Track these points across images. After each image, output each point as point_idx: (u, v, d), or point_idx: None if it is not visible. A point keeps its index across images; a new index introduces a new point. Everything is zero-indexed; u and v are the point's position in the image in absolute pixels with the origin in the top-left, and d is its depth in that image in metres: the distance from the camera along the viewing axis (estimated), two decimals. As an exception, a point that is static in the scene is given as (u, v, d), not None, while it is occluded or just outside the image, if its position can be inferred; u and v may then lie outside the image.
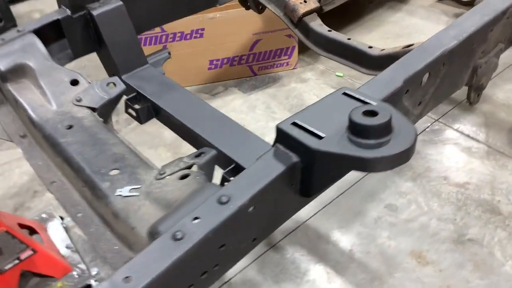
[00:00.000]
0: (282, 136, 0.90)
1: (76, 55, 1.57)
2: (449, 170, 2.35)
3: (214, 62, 3.12)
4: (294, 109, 2.92)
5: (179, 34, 2.91)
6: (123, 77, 1.57)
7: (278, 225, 0.97)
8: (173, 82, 1.54)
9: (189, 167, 1.10)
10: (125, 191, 1.06)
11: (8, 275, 1.69)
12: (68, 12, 1.47)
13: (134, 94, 1.53)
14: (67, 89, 1.37)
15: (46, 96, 1.35)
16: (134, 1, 1.59)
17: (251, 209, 0.84)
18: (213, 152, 1.13)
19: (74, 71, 1.42)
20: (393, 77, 1.07)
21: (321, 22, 1.91)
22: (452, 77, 1.26)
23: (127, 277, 0.73)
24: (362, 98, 0.95)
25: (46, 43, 1.49)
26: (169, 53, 1.72)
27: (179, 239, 0.77)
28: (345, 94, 0.98)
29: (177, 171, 1.09)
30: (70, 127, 1.27)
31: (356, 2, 3.90)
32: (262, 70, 3.25)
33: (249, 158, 1.12)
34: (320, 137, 0.86)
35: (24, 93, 1.35)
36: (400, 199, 2.23)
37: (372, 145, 0.81)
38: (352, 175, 2.38)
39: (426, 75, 1.14)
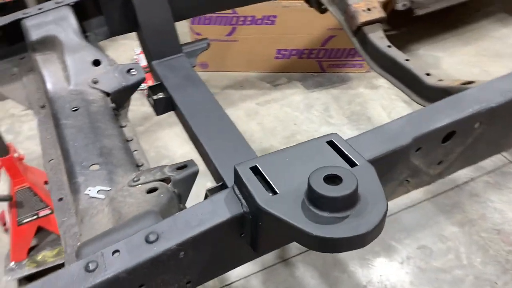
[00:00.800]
0: (237, 180, 0.79)
1: (113, 33, 1.56)
2: (507, 224, 2.05)
3: (282, 52, 3.00)
4: (354, 117, 2.72)
5: (250, 18, 2.82)
6: (153, 62, 1.53)
7: (222, 272, 0.88)
8: (198, 78, 1.47)
9: (165, 179, 1.04)
10: (93, 191, 1.03)
11: (25, 228, 1.80)
12: (107, -11, 1.45)
13: (158, 82, 1.49)
14: (88, 69, 1.36)
15: (66, 72, 1.35)
16: (176, -13, 1.53)
17: (181, 254, 0.76)
18: (194, 169, 1.05)
19: (100, 51, 1.41)
20: (403, 130, 0.90)
21: (383, 35, 1.70)
22: (493, 138, 1.04)
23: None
24: (346, 153, 0.80)
25: (83, 17, 1.50)
26: (208, 44, 1.64)
27: (90, 271, 0.72)
28: (330, 142, 0.84)
29: (150, 181, 1.04)
30: (76, 109, 1.26)
31: (459, 9, 3.49)
32: (331, 68, 3.06)
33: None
34: (274, 192, 0.74)
35: (48, 66, 1.37)
36: (438, 244, 1.99)
37: (325, 220, 0.68)
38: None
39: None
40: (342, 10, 1.77)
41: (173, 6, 1.51)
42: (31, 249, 1.88)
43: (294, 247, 2.02)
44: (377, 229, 0.68)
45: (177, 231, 0.76)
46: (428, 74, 1.53)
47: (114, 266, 0.72)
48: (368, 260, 1.96)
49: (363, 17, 1.69)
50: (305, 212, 0.70)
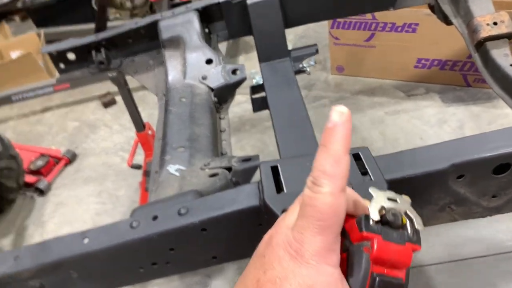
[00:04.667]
0: (260, 175, 0.88)
1: (231, 36, 1.75)
2: None
3: (423, 61, 2.85)
4: (492, 139, 2.45)
5: (389, 25, 2.76)
6: (261, 64, 1.69)
7: (243, 256, 0.97)
8: (294, 81, 1.56)
9: (228, 168, 1.18)
10: (173, 168, 1.23)
11: (151, 194, 2.15)
12: (229, -4, 1.65)
13: (261, 83, 1.64)
14: (201, 66, 1.58)
15: (184, 68, 1.60)
16: (291, -5, 1.64)
17: (204, 231, 0.89)
18: (255, 163, 1.17)
19: (214, 52, 1.62)
20: (443, 154, 0.86)
21: (508, 52, 1.53)
22: None
23: (85, 237, 0.92)
24: (367, 168, 0.83)
25: (209, 21, 1.73)
26: (317, 51, 1.72)
27: (133, 227, 0.91)
28: (356, 155, 0.86)
29: (217, 167, 1.19)
30: (183, 99, 1.49)
31: None
32: (477, 83, 2.80)
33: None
34: (281, 191, 0.82)
35: (172, 61, 1.64)
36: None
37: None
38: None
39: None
40: (466, 23, 1.64)
41: (285, 15, 1.64)
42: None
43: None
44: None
45: (202, 210, 0.89)
46: (548, 100, 1.34)
47: (150, 228, 0.90)
48: (466, 294, 1.80)
49: (485, 32, 1.55)
50: (299, 214, 0.76)
